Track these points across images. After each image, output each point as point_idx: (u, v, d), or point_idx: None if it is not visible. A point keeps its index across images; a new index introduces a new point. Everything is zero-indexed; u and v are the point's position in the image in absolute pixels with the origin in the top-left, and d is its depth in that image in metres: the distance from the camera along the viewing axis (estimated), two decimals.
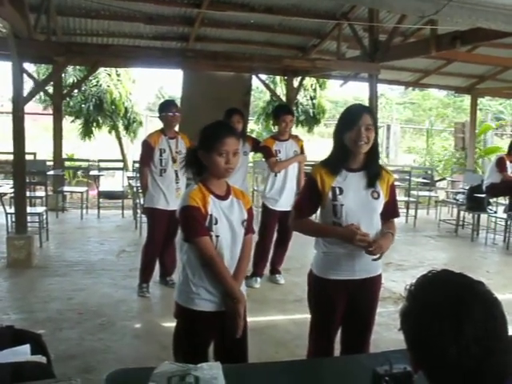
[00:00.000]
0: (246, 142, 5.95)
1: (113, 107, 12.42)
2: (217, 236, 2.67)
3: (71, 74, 11.83)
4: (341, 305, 3.03)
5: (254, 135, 13.08)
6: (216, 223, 2.66)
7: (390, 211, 3.07)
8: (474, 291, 1.29)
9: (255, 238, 5.84)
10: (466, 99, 14.94)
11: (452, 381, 1.25)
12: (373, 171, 2.96)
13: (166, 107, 5.62)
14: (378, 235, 2.96)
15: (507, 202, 9.10)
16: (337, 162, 2.95)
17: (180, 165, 5.47)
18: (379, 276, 3.12)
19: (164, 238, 5.72)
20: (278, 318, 5.13)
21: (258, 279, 5.99)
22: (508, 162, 8.49)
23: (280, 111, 6.04)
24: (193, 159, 2.79)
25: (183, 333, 2.82)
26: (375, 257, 2.89)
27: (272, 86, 13.42)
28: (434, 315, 1.26)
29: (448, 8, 2.93)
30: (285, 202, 5.77)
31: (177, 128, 5.79)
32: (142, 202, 6.56)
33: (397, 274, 6.54)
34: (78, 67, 11.73)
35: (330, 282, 3.00)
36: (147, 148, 5.60)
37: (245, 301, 2.73)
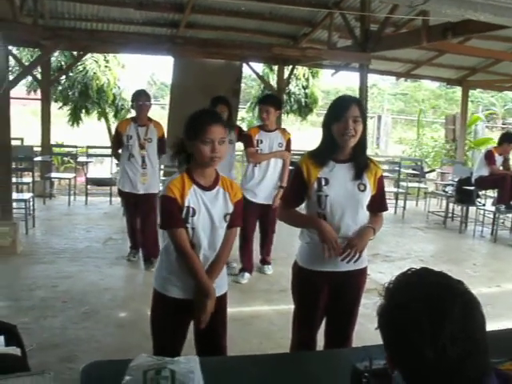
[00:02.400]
0: (232, 131, 5.86)
1: (100, 94, 12.30)
2: (193, 228, 2.65)
3: (56, 60, 11.69)
4: (324, 296, 3.01)
5: (244, 124, 13.03)
6: (193, 215, 2.64)
7: (377, 204, 3.04)
8: (453, 291, 1.26)
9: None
10: (458, 91, 14.95)
11: (428, 381, 1.22)
12: (360, 163, 2.93)
13: (136, 97, 5.97)
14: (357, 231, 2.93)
15: (495, 194, 9.13)
16: (324, 153, 2.92)
17: (146, 151, 5.89)
18: (364, 269, 3.10)
19: (139, 218, 6.20)
20: (263, 308, 5.12)
21: (246, 274, 5.84)
22: (497, 155, 8.50)
23: (260, 101, 5.97)
24: (180, 148, 2.75)
25: (157, 317, 2.86)
26: (354, 258, 2.86)
27: (268, 74, 13.39)
28: (411, 315, 1.23)
29: None
30: (264, 196, 5.70)
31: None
32: None
33: (384, 266, 6.54)
34: (63, 52, 11.60)
35: (314, 273, 2.98)
36: (116, 134, 6.15)
37: (214, 295, 2.69)
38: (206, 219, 2.68)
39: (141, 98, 5.88)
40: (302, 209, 3.13)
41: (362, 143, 2.92)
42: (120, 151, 6.15)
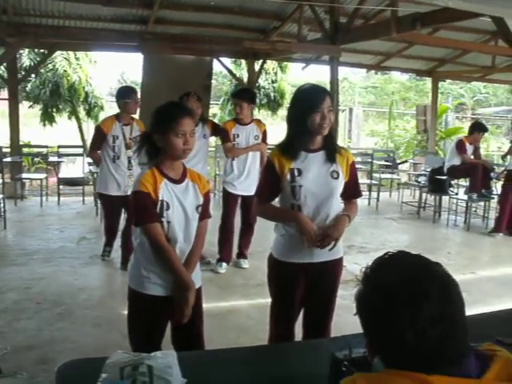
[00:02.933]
0: (205, 125, 5.84)
1: (71, 92, 12.13)
2: (168, 222, 2.63)
3: (26, 57, 11.50)
4: (300, 288, 3.00)
5: (216, 120, 12.97)
6: (168, 209, 2.62)
7: (351, 191, 3.05)
8: (431, 273, 1.25)
9: (219, 222, 5.85)
10: (428, 82, 15.12)
11: (409, 365, 1.21)
12: (331, 150, 2.95)
13: (126, 94, 5.59)
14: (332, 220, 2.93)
15: (467, 183, 9.22)
16: (296, 145, 2.91)
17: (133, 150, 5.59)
18: (340, 259, 3.09)
19: (123, 221, 5.89)
20: (241, 302, 5.10)
21: (224, 264, 5.91)
22: (468, 144, 8.57)
23: (233, 95, 5.99)
24: (147, 142, 2.72)
25: (135, 316, 2.81)
26: (329, 247, 2.87)
27: (236, 70, 13.36)
28: (389, 299, 1.21)
29: None
30: (245, 187, 5.72)
31: (137, 115, 5.74)
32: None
33: (359, 257, 6.56)
34: (34, 50, 11.42)
35: (290, 266, 2.97)
36: (99, 134, 5.62)
37: (194, 288, 2.70)
38: (180, 212, 2.67)
39: (131, 96, 5.57)
40: (276, 202, 3.11)
41: (331, 131, 2.96)
42: (99, 152, 5.74)
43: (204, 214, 2.81)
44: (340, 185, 2.96)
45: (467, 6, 3.21)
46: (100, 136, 5.60)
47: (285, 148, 2.93)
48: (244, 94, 5.83)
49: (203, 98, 6.35)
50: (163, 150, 2.66)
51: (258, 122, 5.93)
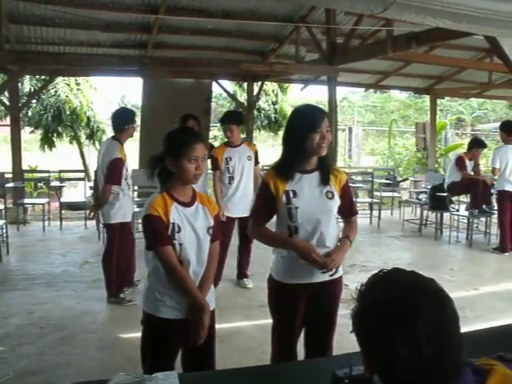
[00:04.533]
0: None
1: (73, 117, 12.25)
2: (180, 244, 2.65)
3: (28, 84, 11.63)
4: (301, 308, 3.00)
5: (217, 142, 13.06)
6: (179, 231, 2.64)
7: (347, 209, 3.07)
8: (425, 289, 1.26)
9: None
10: (427, 100, 15.22)
11: (405, 380, 1.22)
12: (325, 171, 2.96)
13: (132, 118, 5.46)
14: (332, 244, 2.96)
15: (468, 199, 9.22)
16: (291, 166, 2.92)
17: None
18: (340, 278, 3.08)
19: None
20: (243, 323, 5.09)
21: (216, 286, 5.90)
22: (467, 161, 8.59)
23: (221, 120, 5.92)
24: (160, 166, 2.75)
25: (149, 340, 2.80)
26: (331, 272, 2.88)
27: (239, 92, 13.48)
28: (383, 315, 1.22)
29: (396, 6, 2.96)
30: (240, 209, 5.77)
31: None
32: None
33: (361, 276, 6.54)
34: (35, 76, 11.57)
35: (290, 287, 2.97)
36: (121, 165, 5.28)
37: (209, 309, 2.71)
38: (192, 234, 2.70)
39: (135, 120, 5.48)
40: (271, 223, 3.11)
41: (327, 152, 2.95)
42: None
43: (215, 236, 2.84)
44: (336, 204, 2.96)
45: (458, 26, 3.26)
46: (121, 167, 5.28)
47: (280, 169, 2.94)
48: (232, 118, 5.83)
49: (203, 120, 6.44)
50: (175, 174, 2.69)
51: (249, 143, 6.12)
